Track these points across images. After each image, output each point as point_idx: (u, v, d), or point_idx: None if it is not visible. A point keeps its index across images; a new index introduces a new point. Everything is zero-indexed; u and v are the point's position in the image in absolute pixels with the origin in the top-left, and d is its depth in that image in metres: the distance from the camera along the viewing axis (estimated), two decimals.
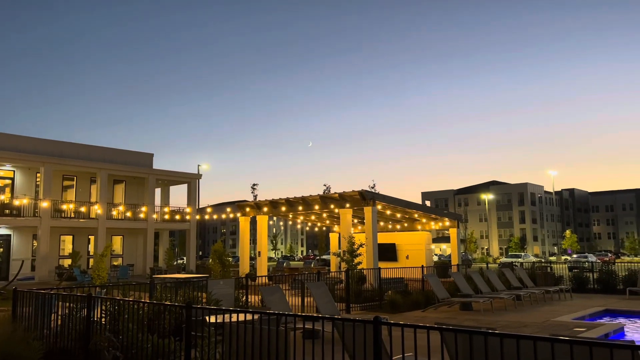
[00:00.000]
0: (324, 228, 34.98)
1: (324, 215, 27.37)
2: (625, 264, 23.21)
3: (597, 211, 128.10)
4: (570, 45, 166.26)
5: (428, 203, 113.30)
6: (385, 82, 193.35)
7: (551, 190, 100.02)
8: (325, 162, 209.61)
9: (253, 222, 27.22)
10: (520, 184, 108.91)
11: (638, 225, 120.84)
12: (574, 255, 68.08)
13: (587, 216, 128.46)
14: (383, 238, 26.67)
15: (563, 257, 71.72)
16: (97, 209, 33.87)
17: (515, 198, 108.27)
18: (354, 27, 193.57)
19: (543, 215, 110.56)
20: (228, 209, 32.06)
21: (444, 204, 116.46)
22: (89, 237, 36.21)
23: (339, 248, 23.98)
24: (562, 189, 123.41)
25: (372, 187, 25.10)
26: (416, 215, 27.03)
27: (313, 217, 28.93)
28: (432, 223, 27.96)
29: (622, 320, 13.78)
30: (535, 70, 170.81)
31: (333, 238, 30.40)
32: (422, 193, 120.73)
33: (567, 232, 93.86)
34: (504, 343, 3.95)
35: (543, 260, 59.01)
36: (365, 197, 21.75)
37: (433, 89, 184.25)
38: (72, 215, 33.67)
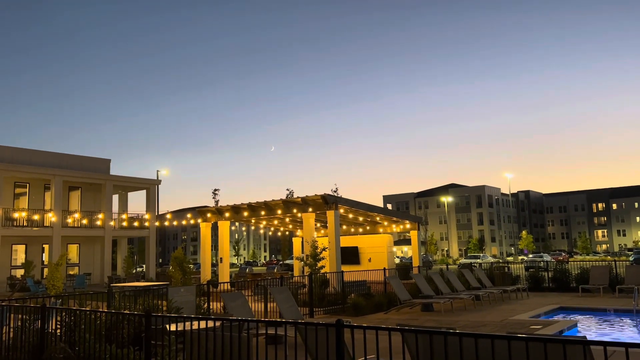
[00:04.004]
0: (287, 233, 34.93)
1: (287, 219, 27.34)
2: (578, 262, 24.12)
3: (551, 212, 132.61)
4: (525, 49, 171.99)
5: (389, 206, 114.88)
6: (345, 88, 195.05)
7: (508, 193, 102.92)
8: (287, 166, 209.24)
9: (214, 228, 26.90)
10: (478, 186, 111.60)
11: (589, 225, 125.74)
12: (530, 255, 70.15)
13: (542, 217, 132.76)
14: (346, 241, 26.84)
15: (520, 257, 73.84)
16: (51, 217, 32.76)
17: (473, 200, 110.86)
18: (314, 32, 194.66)
19: (500, 216, 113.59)
20: (188, 215, 31.58)
21: (405, 207, 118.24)
22: (43, 245, 34.98)
23: (302, 252, 23.99)
24: (518, 191, 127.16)
25: (335, 191, 25.33)
26: (378, 219, 27.33)
27: (276, 222, 28.85)
28: (394, 226, 28.32)
29: (575, 316, 14.30)
30: (490, 75, 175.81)
31: (296, 242, 30.38)
32: (384, 196, 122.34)
33: (523, 232, 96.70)
34: (463, 342, 4.04)
35: (501, 260, 60.58)
36: (328, 201, 21.85)
37: (392, 94, 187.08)
38: (25, 223, 32.46)
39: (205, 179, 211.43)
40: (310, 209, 22.61)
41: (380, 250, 26.83)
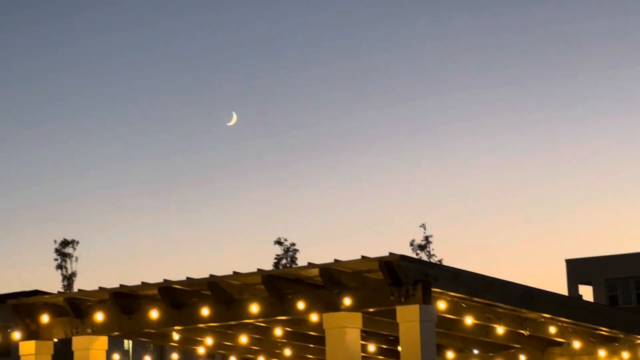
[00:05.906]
0: None
1: (275, 332, 10.34)
2: None
3: None
4: None
5: (585, 291, 41.07)
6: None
7: None
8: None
9: None
10: None
11: None
12: None
13: None
14: None
15: None
16: None
17: None
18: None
19: None
20: None
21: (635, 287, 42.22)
22: None
23: None
24: None
25: (423, 247, 9.31)
26: (553, 329, 10.19)
27: (239, 340, 10.94)
28: (602, 351, 10.62)
29: None
30: None
31: None
32: (567, 262, 41.40)
33: None
34: None
35: None
36: (404, 276, 6.84)
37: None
38: None
39: None
40: (347, 300, 7.32)
41: None
